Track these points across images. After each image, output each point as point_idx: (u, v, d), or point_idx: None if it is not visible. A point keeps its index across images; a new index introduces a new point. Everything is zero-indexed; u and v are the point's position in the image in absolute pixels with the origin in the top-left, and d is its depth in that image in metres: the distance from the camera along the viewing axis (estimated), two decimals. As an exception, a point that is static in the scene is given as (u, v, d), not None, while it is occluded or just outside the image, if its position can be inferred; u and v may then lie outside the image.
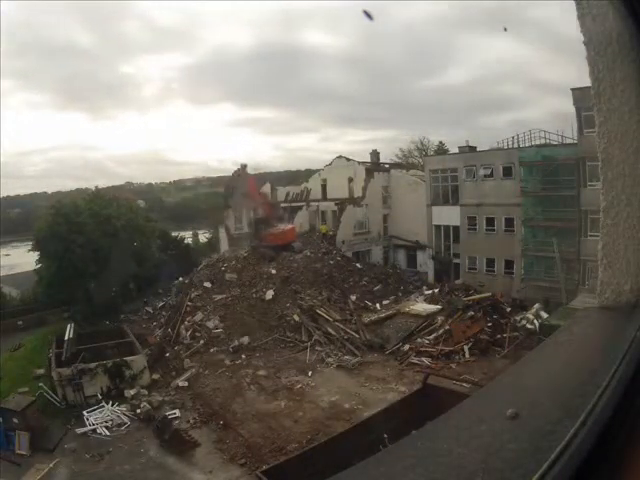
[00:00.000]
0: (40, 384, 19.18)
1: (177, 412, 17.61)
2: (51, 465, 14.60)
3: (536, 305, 23.47)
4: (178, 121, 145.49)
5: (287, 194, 41.97)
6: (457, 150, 34.84)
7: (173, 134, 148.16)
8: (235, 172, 37.88)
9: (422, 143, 56.74)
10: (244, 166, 37.47)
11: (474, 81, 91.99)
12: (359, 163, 37.64)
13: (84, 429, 16.82)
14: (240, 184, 36.36)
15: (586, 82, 1.97)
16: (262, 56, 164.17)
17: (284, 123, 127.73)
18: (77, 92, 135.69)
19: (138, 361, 20.20)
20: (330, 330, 23.18)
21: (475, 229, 30.66)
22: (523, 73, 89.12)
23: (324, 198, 38.61)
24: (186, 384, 19.93)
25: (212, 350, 22.72)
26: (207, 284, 28.27)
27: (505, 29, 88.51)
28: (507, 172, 28.79)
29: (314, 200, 38.48)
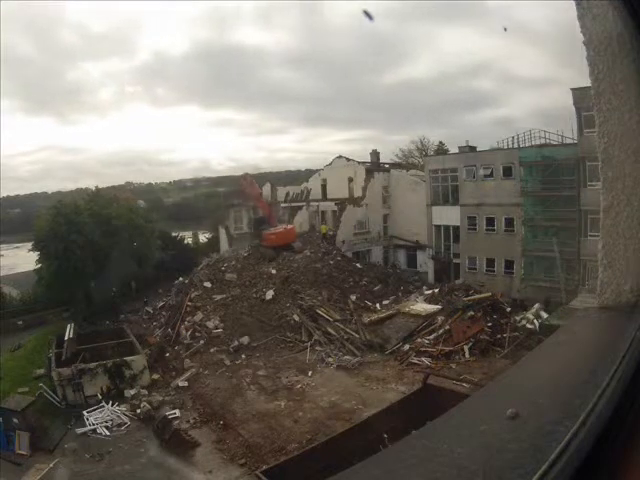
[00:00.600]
0: (40, 384, 19.19)
1: (177, 412, 17.61)
2: (51, 465, 14.61)
3: (536, 305, 23.47)
4: (151, 123, 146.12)
5: (287, 194, 41.99)
6: (457, 150, 34.86)
7: (155, 135, 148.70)
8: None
9: (422, 143, 56.85)
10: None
11: (443, 76, 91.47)
12: (359, 163, 37.68)
13: (84, 429, 16.81)
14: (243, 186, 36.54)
15: (586, 82, 1.97)
16: (204, 57, 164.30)
17: (254, 124, 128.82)
18: (39, 98, 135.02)
19: (138, 361, 20.20)
20: (330, 330, 23.18)
21: (475, 229, 30.66)
22: (494, 67, 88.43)
23: (324, 198, 38.62)
24: (186, 384, 19.93)
25: (212, 350, 22.71)
26: (207, 284, 28.26)
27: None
28: (507, 172, 28.80)
29: (314, 200, 38.49)
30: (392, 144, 64.56)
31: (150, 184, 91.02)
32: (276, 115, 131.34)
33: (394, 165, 43.42)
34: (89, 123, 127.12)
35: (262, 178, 48.39)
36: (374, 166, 39.02)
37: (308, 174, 45.50)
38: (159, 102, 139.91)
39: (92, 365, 19.37)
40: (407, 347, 21.58)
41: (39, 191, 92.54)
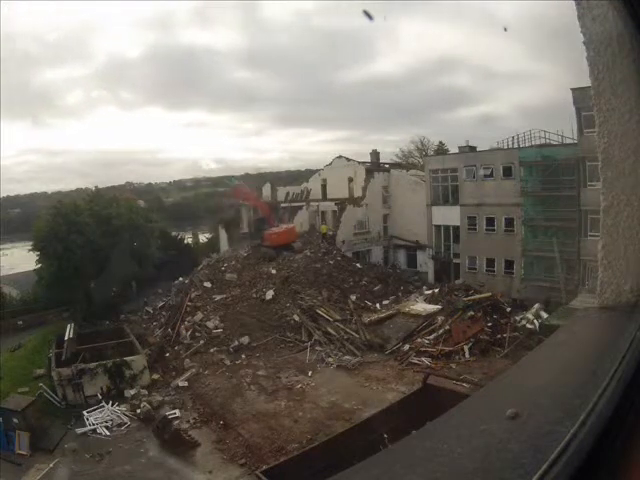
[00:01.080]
0: (40, 384, 19.19)
1: (177, 412, 17.62)
2: (51, 465, 14.62)
3: (536, 305, 23.47)
4: (135, 125, 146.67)
5: (287, 194, 41.99)
6: (457, 150, 34.90)
7: (139, 137, 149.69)
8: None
9: (422, 143, 56.89)
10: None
11: (413, 72, 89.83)
12: (359, 163, 37.69)
13: (84, 429, 16.83)
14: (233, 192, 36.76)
15: (586, 82, 1.97)
16: (158, 59, 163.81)
17: (229, 126, 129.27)
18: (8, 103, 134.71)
19: (138, 361, 20.21)
20: (330, 330, 23.17)
21: (475, 229, 30.66)
22: (466, 61, 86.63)
23: (324, 198, 38.61)
24: (186, 384, 19.94)
25: (212, 350, 22.72)
26: (207, 284, 28.27)
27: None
28: (507, 172, 28.80)
29: (314, 200, 38.49)
30: (377, 144, 64.45)
31: (150, 184, 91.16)
32: (249, 116, 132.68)
33: (394, 165, 43.42)
34: (65, 126, 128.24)
35: (262, 178, 48.44)
36: (374, 166, 39.02)
37: (308, 174, 45.54)
38: (122, 105, 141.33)
39: (92, 365, 19.38)
40: (407, 347, 21.57)
41: (39, 191, 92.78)
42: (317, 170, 42.00)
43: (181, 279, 31.81)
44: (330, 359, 21.19)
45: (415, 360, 20.38)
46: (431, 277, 33.25)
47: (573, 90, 23.83)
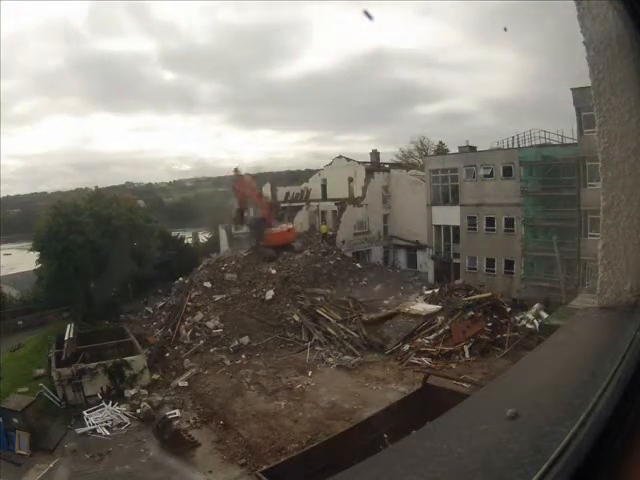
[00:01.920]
0: (40, 384, 19.19)
1: (177, 412, 17.62)
2: (51, 465, 14.62)
3: (536, 305, 23.46)
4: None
5: (287, 194, 42.00)
6: (457, 150, 34.92)
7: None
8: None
9: (422, 143, 56.87)
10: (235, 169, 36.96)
11: (348, 66, 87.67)
12: (359, 163, 37.70)
13: (84, 429, 16.83)
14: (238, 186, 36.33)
15: (586, 82, 1.97)
16: (80, 67, 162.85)
17: (186, 128, 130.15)
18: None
19: (138, 361, 20.21)
20: (330, 330, 23.18)
21: (475, 229, 30.65)
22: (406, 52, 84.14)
23: (324, 198, 38.61)
24: (186, 384, 19.94)
25: (212, 350, 22.72)
26: (207, 284, 28.26)
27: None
28: (507, 172, 28.80)
29: (314, 200, 38.49)
30: (349, 144, 63.73)
31: (150, 184, 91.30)
32: (203, 119, 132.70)
33: (394, 165, 43.44)
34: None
35: (262, 178, 48.38)
36: (374, 166, 39.03)
37: (308, 174, 45.57)
38: (72, 112, 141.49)
39: (92, 365, 19.38)
40: (407, 347, 21.57)
41: (39, 191, 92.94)
42: (317, 170, 42.05)
43: (181, 279, 31.79)
44: (330, 359, 21.19)
45: (415, 360, 20.37)
46: (431, 277, 33.23)
47: (573, 90, 23.83)
